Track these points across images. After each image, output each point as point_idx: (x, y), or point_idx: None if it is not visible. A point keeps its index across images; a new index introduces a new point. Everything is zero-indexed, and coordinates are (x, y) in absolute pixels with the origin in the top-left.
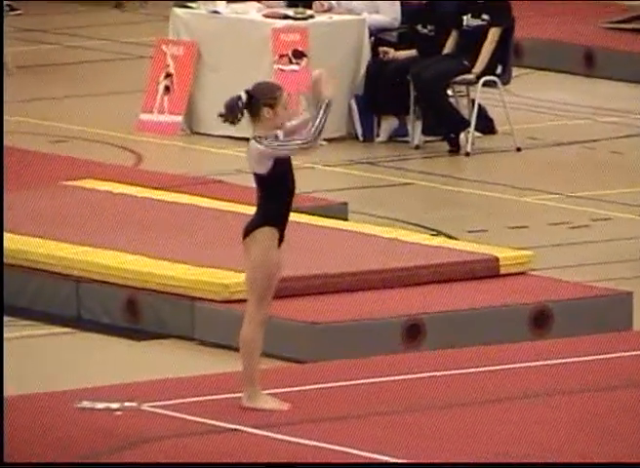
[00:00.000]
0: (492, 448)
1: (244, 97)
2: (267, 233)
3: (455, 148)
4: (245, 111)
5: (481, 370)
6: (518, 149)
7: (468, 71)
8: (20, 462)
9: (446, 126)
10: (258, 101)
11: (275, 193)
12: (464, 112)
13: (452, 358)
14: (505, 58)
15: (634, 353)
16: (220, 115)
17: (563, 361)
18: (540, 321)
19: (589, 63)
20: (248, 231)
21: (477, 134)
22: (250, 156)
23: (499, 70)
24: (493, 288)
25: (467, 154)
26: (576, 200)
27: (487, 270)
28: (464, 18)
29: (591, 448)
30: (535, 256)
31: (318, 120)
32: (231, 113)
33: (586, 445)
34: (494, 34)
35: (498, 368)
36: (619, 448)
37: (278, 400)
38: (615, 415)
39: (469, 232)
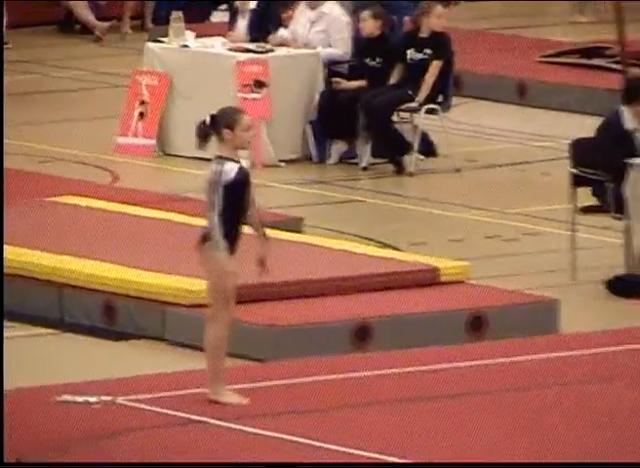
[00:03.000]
0: (429, 441)
1: (208, 119)
2: (220, 245)
3: (399, 169)
4: (210, 132)
5: (422, 369)
6: (457, 170)
7: (412, 100)
8: (20, 462)
9: (391, 149)
10: (218, 123)
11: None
12: (408, 136)
13: (396, 358)
14: (446, 88)
15: (561, 354)
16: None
17: (495, 361)
18: (476, 325)
19: (522, 94)
20: (201, 242)
21: (420, 156)
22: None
23: (439, 99)
24: (433, 295)
25: (411, 174)
26: (508, 216)
27: (428, 279)
28: (409, 51)
29: (521, 446)
30: (471, 267)
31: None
32: (198, 134)
33: (517, 442)
34: (435, 67)
35: (437, 367)
36: (547, 446)
37: (239, 395)
38: (543, 413)
39: (412, 244)
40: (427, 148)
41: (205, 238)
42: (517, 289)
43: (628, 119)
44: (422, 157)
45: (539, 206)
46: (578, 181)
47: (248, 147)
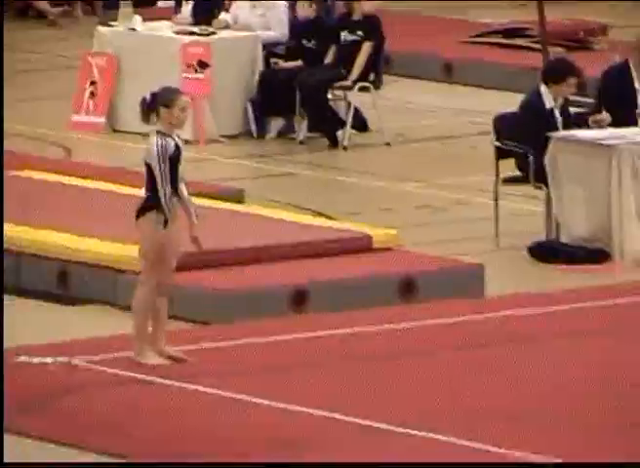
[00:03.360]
0: (365, 398)
1: (148, 97)
2: (154, 216)
3: (334, 143)
4: (151, 109)
5: (356, 330)
6: (388, 144)
7: (345, 78)
8: (20, 462)
9: (326, 124)
10: (157, 101)
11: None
12: (342, 113)
13: (332, 321)
14: (377, 67)
15: (487, 316)
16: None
17: (425, 323)
18: (407, 289)
19: (449, 72)
20: (139, 213)
21: (353, 131)
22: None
23: (371, 77)
24: (366, 261)
25: (345, 148)
26: (437, 187)
27: (361, 246)
28: (342, 33)
29: (453, 404)
30: (402, 234)
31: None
32: (141, 110)
33: (447, 400)
34: (367, 47)
35: (370, 329)
36: (474, 401)
37: (159, 357)
38: (471, 371)
39: (347, 214)
40: (360, 124)
41: (141, 207)
42: (445, 255)
43: (548, 99)
44: (356, 132)
45: (465, 177)
46: (501, 154)
47: (181, 127)
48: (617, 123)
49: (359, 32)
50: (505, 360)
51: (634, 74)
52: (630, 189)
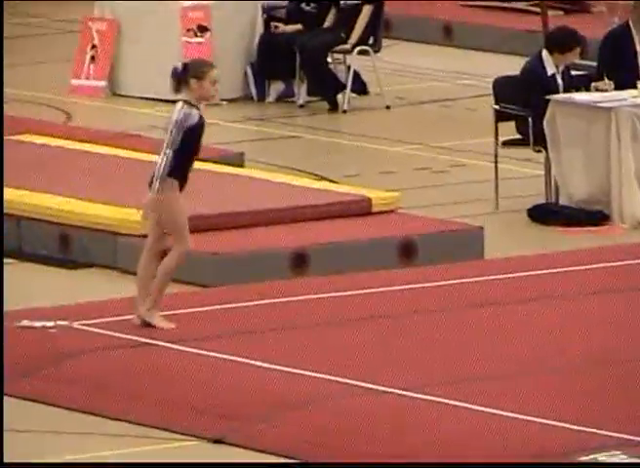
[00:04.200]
0: (365, 359)
1: (179, 67)
2: (171, 181)
3: (334, 107)
4: (181, 78)
5: (357, 292)
6: (387, 107)
7: (345, 42)
8: (20, 462)
9: (326, 88)
10: (188, 72)
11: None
12: (342, 76)
13: (333, 283)
14: (376, 30)
15: (487, 278)
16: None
17: (426, 285)
18: (407, 252)
19: (448, 35)
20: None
21: (352, 94)
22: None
23: (370, 41)
24: (366, 224)
25: (344, 112)
26: (436, 149)
27: (361, 209)
28: None
29: (449, 361)
30: (402, 197)
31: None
32: (171, 78)
33: (444, 358)
34: (366, 11)
35: (371, 291)
36: (471, 360)
37: (168, 321)
38: (468, 331)
39: (346, 177)
40: (360, 87)
41: (157, 175)
42: (445, 217)
43: (549, 65)
44: (355, 95)
45: (465, 140)
46: (500, 117)
47: (211, 100)
48: (617, 86)
49: None
50: (503, 320)
51: (635, 37)
52: (629, 151)
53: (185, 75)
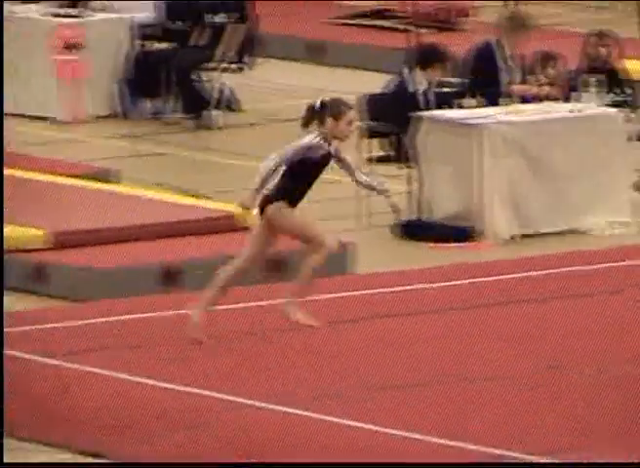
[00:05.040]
0: (231, 375)
1: (317, 104)
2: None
3: (205, 123)
4: (316, 116)
5: (227, 307)
6: (258, 124)
7: (217, 59)
8: (21, 462)
9: (198, 105)
10: (326, 110)
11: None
12: (214, 93)
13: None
14: (248, 48)
15: (358, 293)
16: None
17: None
18: (277, 266)
19: (317, 53)
20: (267, 202)
21: (225, 112)
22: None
23: (243, 58)
24: (233, 239)
25: (217, 128)
26: None
27: (231, 224)
28: (212, 15)
29: (312, 379)
30: None
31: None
32: (305, 115)
33: (310, 379)
34: (238, 29)
35: (240, 306)
36: (335, 377)
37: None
38: (339, 348)
39: (216, 193)
40: (232, 104)
41: (268, 200)
42: None
43: (419, 81)
44: (227, 112)
45: None
46: (370, 134)
47: (344, 140)
48: (486, 102)
49: (230, 14)
50: (372, 334)
51: (498, 53)
52: (495, 168)
53: (323, 113)
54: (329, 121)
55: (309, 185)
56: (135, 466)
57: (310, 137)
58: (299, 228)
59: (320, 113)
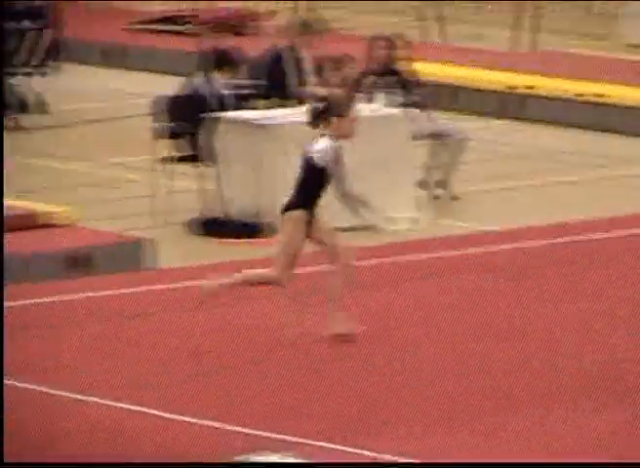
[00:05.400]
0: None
1: (321, 105)
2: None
3: (17, 126)
4: (322, 115)
5: (18, 303)
6: (66, 126)
7: (24, 64)
8: (20, 462)
9: (8, 108)
10: (331, 110)
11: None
12: (24, 97)
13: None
14: (53, 53)
15: (162, 287)
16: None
17: (99, 294)
18: (75, 264)
19: (114, 57)
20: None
21: (28, 114)
22: (313, 145)
23: (47, 63)
24: (38, 237)
25: (25, 130)
26: (109, 166)
27: (31, 223)
28: (14, 22)
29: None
30: (78, 211)
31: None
32: (311, 115)
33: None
34: (43, 34)
35: (44, 300)
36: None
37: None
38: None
39: (22, 192)
40: (40, 107)
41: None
42: (119, 230)
43: (216, 83)
44: (34, 114)
45: (132, 156)
46: (165, 134)
47: (350, 137)
48: (277, 104)
49: (26, 22)
50: (159, 331)
51: (288, 57)
52: (285, 166)
53: (328, 113)
54: (334, 120)
55: (320, 192)
56: (131, 466)
57: (327, 145)
58: (283, 244)
59: (326, 113)
